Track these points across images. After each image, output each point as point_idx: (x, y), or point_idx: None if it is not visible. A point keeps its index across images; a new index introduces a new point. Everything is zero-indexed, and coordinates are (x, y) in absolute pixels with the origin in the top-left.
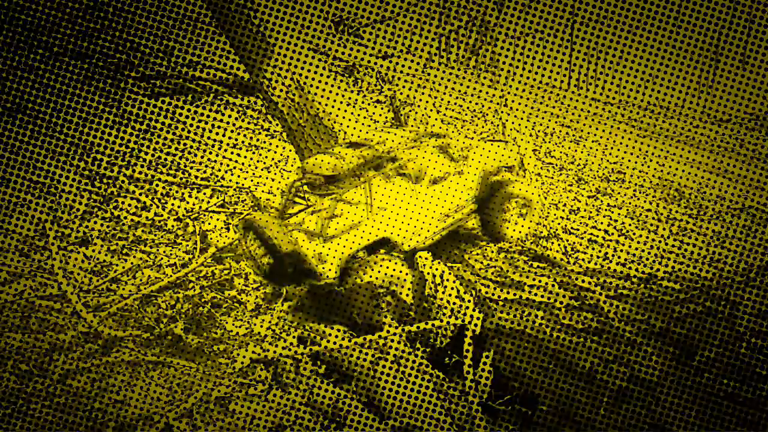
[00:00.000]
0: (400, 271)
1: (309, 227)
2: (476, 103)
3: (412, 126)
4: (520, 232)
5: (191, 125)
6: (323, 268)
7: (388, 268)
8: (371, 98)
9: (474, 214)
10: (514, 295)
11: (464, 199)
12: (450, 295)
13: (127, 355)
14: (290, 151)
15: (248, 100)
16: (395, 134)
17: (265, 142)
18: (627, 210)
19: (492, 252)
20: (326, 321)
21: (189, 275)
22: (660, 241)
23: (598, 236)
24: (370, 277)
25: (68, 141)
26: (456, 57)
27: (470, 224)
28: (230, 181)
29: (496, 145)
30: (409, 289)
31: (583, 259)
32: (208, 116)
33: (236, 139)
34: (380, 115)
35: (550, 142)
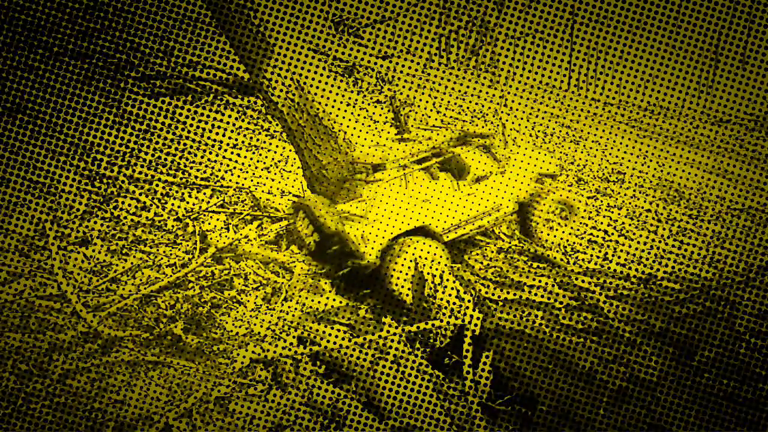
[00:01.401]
0: (435, 248)
1: (354, 211)
2: (476, 103)
3: (458, 125)
4: (557, 236)
5: (191, 125)
6: (365, 249)
7: (422, 249)
8: (371, 98)
9: (511, 216)
10: (514, 295)
11: (504, 199)
12: (450, 295)
13: (126, 355)
14: (290, 151)
15: (248, 100)
16: (442, 132)
17: (265, 142)
18: (627, 210)
19: (492, 252)
20: (364, 300)
21: (189, 275)
22: (660, 242)
23: (598, 236)
24: (406, 257)
25: (68, 141)
26: (456, 57)
27: (503, 228)
28: (230, 181)
29: (537, 152)
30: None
31: (583, 259)
32: (208, 116)
33: (236, 139)
34: (380, 115)
35: (550, 142)
